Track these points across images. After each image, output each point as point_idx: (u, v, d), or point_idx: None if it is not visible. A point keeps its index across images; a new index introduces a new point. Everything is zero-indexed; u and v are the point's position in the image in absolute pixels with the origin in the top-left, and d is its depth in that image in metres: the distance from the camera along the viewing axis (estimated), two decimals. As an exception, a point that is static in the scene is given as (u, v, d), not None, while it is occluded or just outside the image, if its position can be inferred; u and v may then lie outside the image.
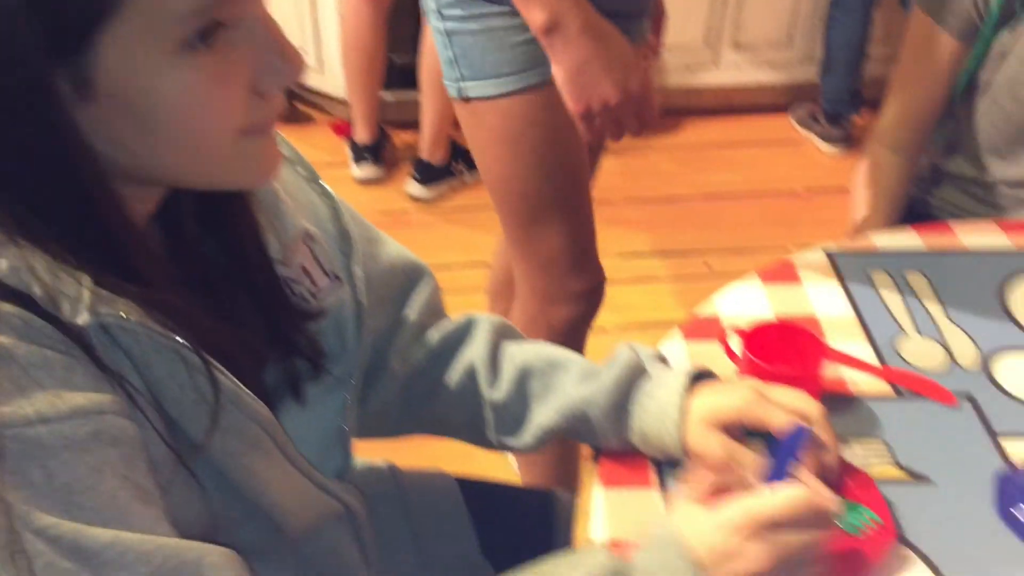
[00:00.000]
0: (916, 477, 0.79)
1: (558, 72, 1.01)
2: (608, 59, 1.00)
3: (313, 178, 0.74)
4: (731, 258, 2.30)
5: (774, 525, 0.60)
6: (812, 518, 0.61)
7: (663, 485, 0.77)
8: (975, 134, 1.24)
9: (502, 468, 1.63)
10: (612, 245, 2.39)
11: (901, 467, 0.79)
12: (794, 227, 2.41)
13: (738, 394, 0.75)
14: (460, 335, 0.83)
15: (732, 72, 2.78)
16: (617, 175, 2.58)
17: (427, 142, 2.45)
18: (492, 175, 1.21)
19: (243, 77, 0.53)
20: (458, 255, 2.23)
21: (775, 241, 2.34)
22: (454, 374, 0.82)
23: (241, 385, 0.58)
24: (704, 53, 2.76)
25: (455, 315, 0.85)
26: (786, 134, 2.79)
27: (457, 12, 1.10)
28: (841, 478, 0.75)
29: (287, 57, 0.54)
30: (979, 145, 1.24)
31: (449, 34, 1.11)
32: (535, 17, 0.99)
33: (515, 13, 1.06)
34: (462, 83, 1.13)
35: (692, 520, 0.62)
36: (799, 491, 0.61)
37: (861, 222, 1.29)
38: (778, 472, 0.64)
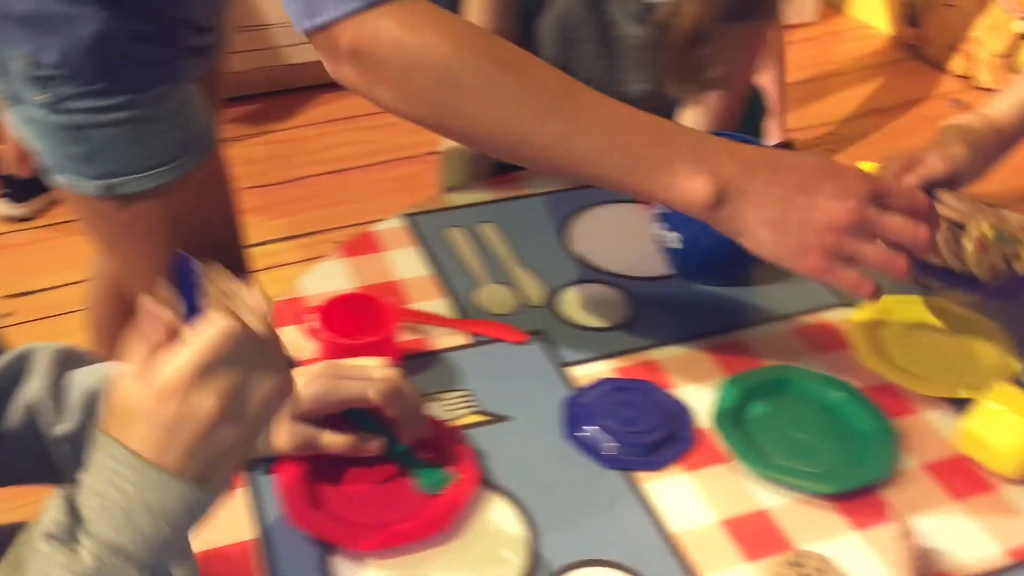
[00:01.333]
0: (498, 418, 0.83)
1: (756, 243, 0.74)
2: (798, 179, 0.73)
3: None
4: (360, 232, 2.32)
5: (206, 367, 0.54)
6: (242, 340, 0.55)
7: (254, 484, 0.76)
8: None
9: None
10: (240, 238, 2.33)
11: (484, 411, 0.84)
12: (419, 192, 2.46)
13: (312, 383, 0.74)
14: (14, 373, 0.75)
15: (338, 46, 2.78)
16: (237, 164, 2.49)
17: (11, 154, 2.21)
18: (147, 268, 1.07)
19: None
20: (72, 272, 2.04)
21: (402, 209, 2.39)
22: (13, 417, 0.74)
23: None
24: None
25: (10, 350, 0.77)
26: (402, 102, 2.85)
27: (91, 104, 0.94)
28: (429, 435, 0.78)
29: None
30: None
31: (78, 128, 0.95)
32: (692, 190, 0.73)
33: (164, 97, 0.96)
34: (109, 180, 0.98)
35: (131, 404, 0.54)
36: (215, 322, 0.55)
37: (452, 181, 1.34)
38: (191, 310, 0.56)
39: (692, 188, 0.73)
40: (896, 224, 0.74)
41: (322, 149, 2.65)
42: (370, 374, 0.75)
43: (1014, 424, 0.76)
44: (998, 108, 1.07)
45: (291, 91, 2.83)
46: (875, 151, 2.48)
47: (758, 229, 0.74)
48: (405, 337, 0.89)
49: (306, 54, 2.79)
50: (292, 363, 0.67)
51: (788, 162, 0.75)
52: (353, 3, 0.71)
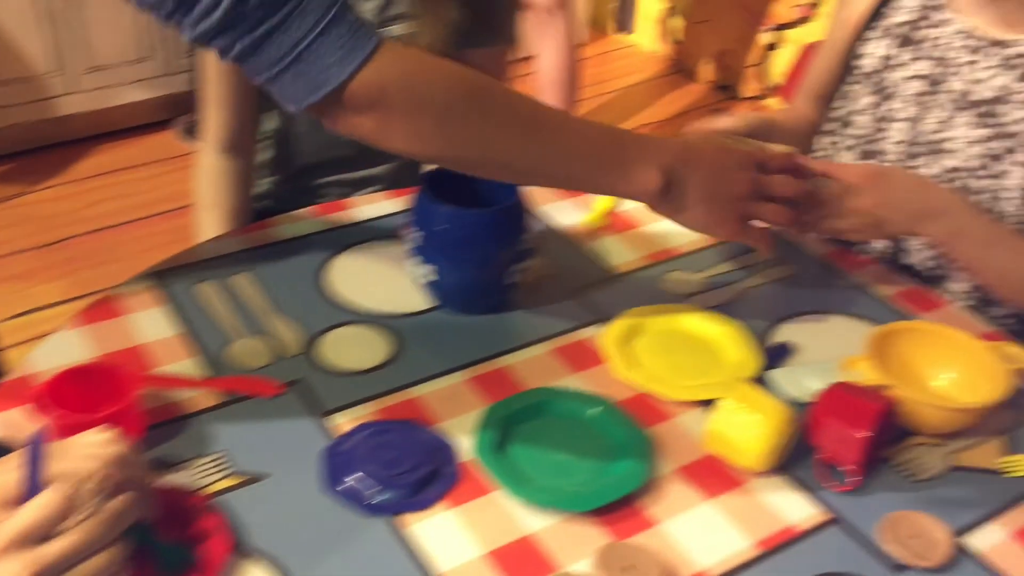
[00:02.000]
0: (254, 478, 0.79)
1: (692, 219, 0.89)
2: (711, 160, 0.88)
3: None
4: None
5: (23, 539, 0.58)
6: (63, 519, 0.59)
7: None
8: (293, 128, 1.30)
9: None
10: (9, 307, 2.15)
11: (239, 472, 0.80)
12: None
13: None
14: None
15: (97, 96, 2.64)
16: (2, 227, 2.33)
17: None
18: None
19: None
20: None
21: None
22: None
23: None
24: (60, 82, 2.57)
25: None
26: (174, 149, 2.73)
27: None
28: (173, 508, 0.73)
29: None
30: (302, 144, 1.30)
31: None
32: (647, 182, 0.85)
33: None
34: None
35: None
36: (47, 495, 0.59)
37: (208, 233, 1.28)
38: (32, 487, 0.61)
39: (646, 180, 0.85)
40: (782, 182, 0.91)
41: (96, 203, 2.51)
42: (99, 456, 0.69)
43: (751, 420, 0.80)
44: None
45: (59, 145, 2.66)
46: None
47: (693, 207, 0.87)
48: (149, 405, 0.84)
49: (74, 105, 2.66)
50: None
51: (699, 148, 0.89)
52: (352, 64, 0.74)
